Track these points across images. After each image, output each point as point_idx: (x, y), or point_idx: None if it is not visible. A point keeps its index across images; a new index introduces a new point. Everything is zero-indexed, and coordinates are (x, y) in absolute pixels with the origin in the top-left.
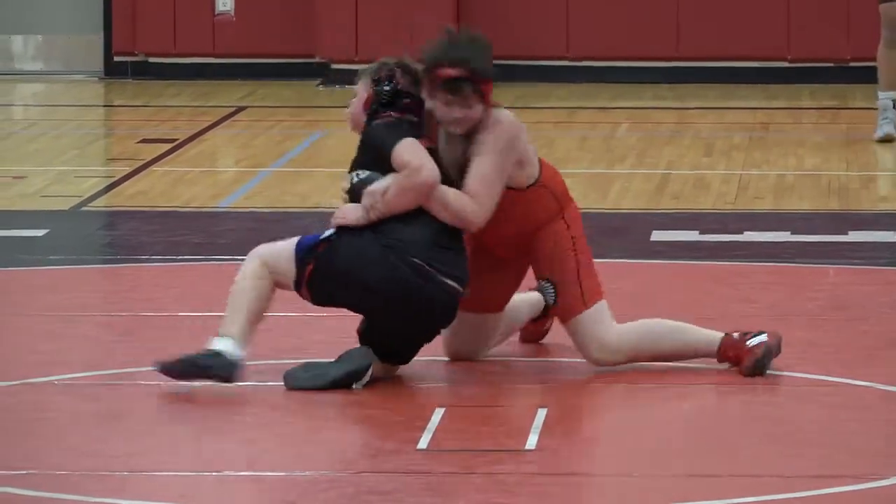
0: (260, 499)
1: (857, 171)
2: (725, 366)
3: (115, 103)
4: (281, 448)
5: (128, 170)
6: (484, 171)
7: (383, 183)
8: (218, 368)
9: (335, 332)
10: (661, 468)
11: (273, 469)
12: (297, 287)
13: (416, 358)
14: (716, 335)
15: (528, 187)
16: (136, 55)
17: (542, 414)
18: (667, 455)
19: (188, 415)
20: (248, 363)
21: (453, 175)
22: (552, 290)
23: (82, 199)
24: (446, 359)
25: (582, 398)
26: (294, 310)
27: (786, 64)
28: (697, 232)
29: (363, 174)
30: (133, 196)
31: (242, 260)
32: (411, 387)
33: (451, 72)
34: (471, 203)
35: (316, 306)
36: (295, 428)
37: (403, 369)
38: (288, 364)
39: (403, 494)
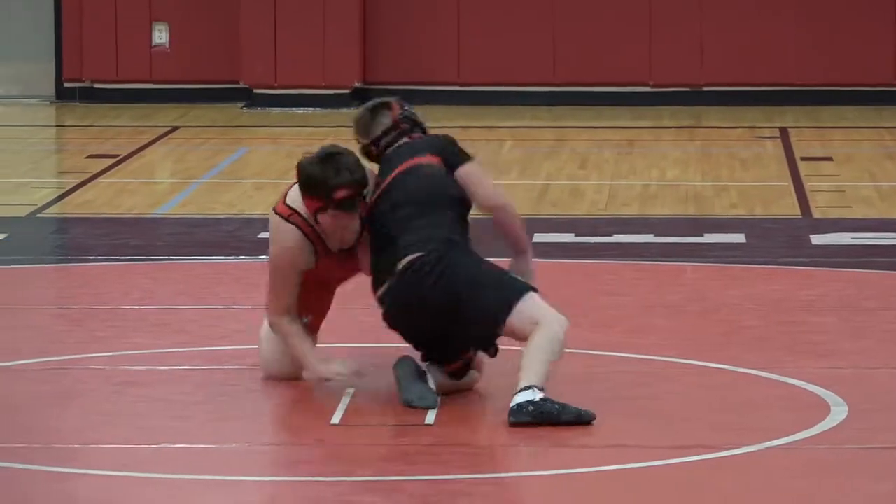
0: (191, 467)
1: (710, 181)
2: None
3: (66, 124)
4: (211, 423)
5: (77, 181)
6: None
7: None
8: None
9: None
10: (540, 441)
11: (203, 441)
12: None
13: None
14: None
15: None
16: (83, 81)
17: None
18: (545, 429)
19: (130, 395)
20: (181, 350)
21: None
22: None
23: (37, 207)
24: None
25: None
26: (219, 303)
27: (649, 88)
28: (573, 234)
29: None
30: (81, 204)
31: (179, 260)
32: None
33: None
34: None
35: (234, 301)
36: (223, 405)
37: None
38: (213, 350)
39: (318, 462)
